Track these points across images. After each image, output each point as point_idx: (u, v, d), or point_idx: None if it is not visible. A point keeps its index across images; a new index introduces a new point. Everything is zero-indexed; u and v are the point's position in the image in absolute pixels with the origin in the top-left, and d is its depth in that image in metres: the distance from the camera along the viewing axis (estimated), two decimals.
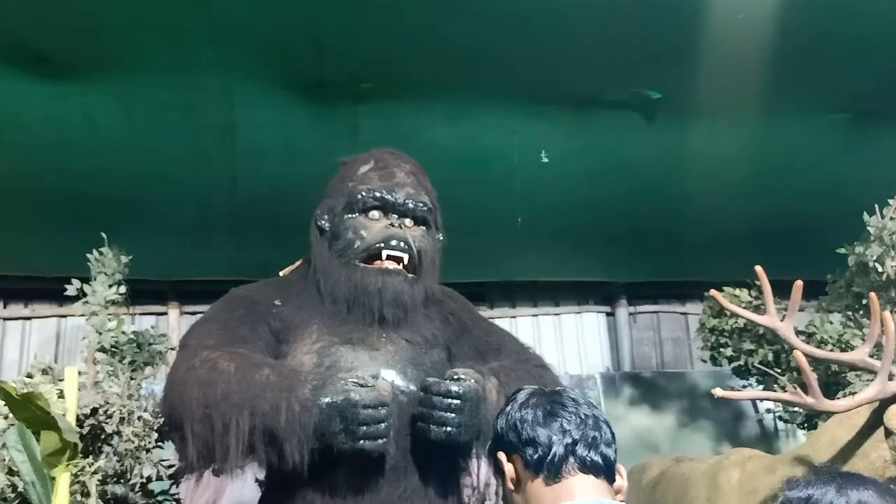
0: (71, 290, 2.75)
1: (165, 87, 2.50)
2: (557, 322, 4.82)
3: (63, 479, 1.72)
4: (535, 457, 1.21)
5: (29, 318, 4.34)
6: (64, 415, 1.78)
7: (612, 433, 1.26)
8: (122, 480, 2.19)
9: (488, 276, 4.14)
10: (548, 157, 2.94)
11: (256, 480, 2.53)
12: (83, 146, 2.78)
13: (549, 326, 4.77)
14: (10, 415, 2.15)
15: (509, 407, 1.30)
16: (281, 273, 2.54)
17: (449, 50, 2.50)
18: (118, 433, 2.10)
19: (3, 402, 2.16)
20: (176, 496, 2.38)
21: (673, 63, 2.61)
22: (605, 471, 1.21)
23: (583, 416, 1.24)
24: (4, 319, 4.29)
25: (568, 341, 4.74)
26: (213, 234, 3.51)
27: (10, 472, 2.04)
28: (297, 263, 2.49)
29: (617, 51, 2.58)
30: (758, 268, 2.27)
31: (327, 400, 1.83)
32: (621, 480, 1.25)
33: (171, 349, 3.08)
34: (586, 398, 1.30)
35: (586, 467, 1.19)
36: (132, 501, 2.22)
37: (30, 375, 2.25)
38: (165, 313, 4.40)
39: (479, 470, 2.48)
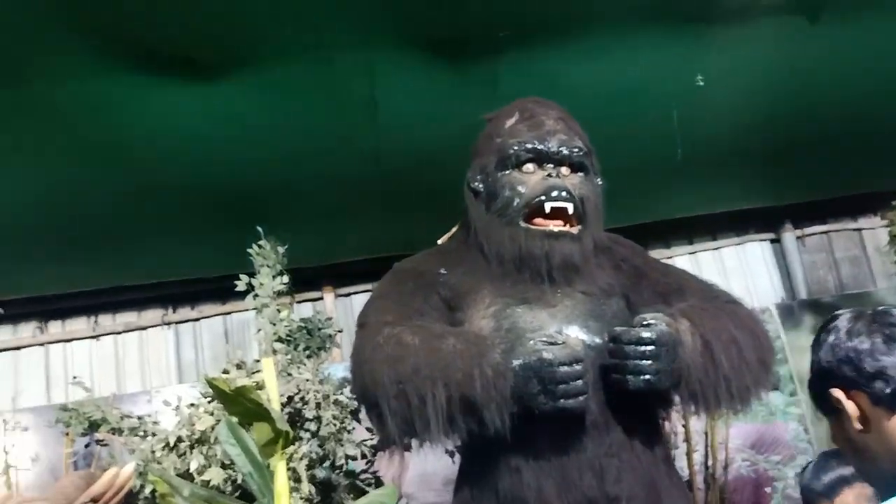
0: (241, 285, 2.88)
1: (306, 71, 2.55)
2: (718, 256, 4.60)
3: (280, 467, 1.78)
4: (888, 391, 1.10)
5: (197, 320, 4.61)
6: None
7: None
8: (323, 463, 2.29)
9: (640, 218, 4.00)
10: (703, 79, 2.78)
11: (447, 451, 2.58)
12: (232, 142, 2.90)
13: (709, 263, 4.57)
14: (215, 412, 2.30)
15: (832, 337, 1.18)
16: (439, 242, 2.54)
17: None
18: (318, 418, 2.18)
19: (209, 399, 2.32)
20: (375, 473, 2.47)
21: None
22: None
23: None
24: (177, 323, 4.58)
25: (733, 275, 4.52)
26: (361, 213, 3.57)
27: (224, 466, 2.18)
28: (454, 230, 2.49)
29: None
30: None
31: (519, 362, 1.82)
32: None
33: (339, 332, 3.19)
34: None
35: None
36: (336, 482, 2.32)
37: (226, 371, 2.38)
38: (321, 298, 4.55)
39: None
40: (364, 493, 2.52)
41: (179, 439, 2.23)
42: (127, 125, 2.73)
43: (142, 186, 3.16)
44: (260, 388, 2.03)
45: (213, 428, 2.19)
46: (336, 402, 2.25)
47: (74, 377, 3.21)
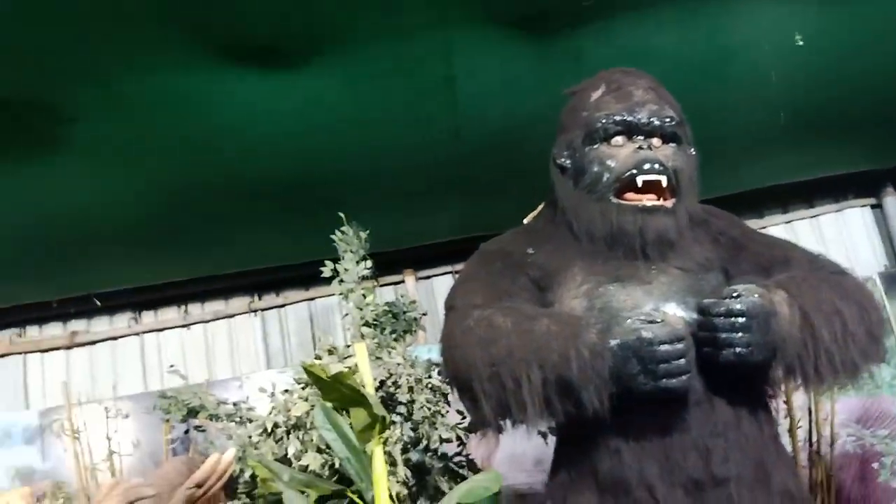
0: (326, 271, 2.91)
1: (384, 54, 2.54)
2: (815, 225, 4.42)
3: (377, 451, 1.81)
4: None
5: (283, 306, 4.71)
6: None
7: None
8: (417, 447, 2.31)
9: (732, 187, 3.87)
10: (802, 39, 2.64)
11: (540, 432, 2.56)
12: (313, 129, 2.93)
13: (805, 231, 4.39)
14: (309, 398, 2.34)
15: None
16: (525, 221, 2.51)
17: None
18: (411, 402, 2.19)
19: (302, 385, 2.36)
20: (468, 455, 2.48)
21: None
22: None
23: None
24: (263, 310, 4.70)
25: (831, 244, 4.33)
26: (442, 195, 3.57)
27: (320, 451, 2.22)
28: (540, 208, 2.45)
29: None
30: None
31: (617, 342, 1.78)
32: None
33: (423, 315, 3.20)
34: None
35: None
36: (429, 465, 2.34)
37: (318, 357, 2.41)
38: (402, 281, 4.59)
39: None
40: (457, 475, 2.53)
41: (276, 425, 2.29)
42: (211, 118, 2.80)
43: (226, 177, 3.24)
44: (353, 374, 2.05)
45: (307, 413, 2.24)
46: (429, 386, 2.26)
47: (171, 366, 3.32)
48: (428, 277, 4.56)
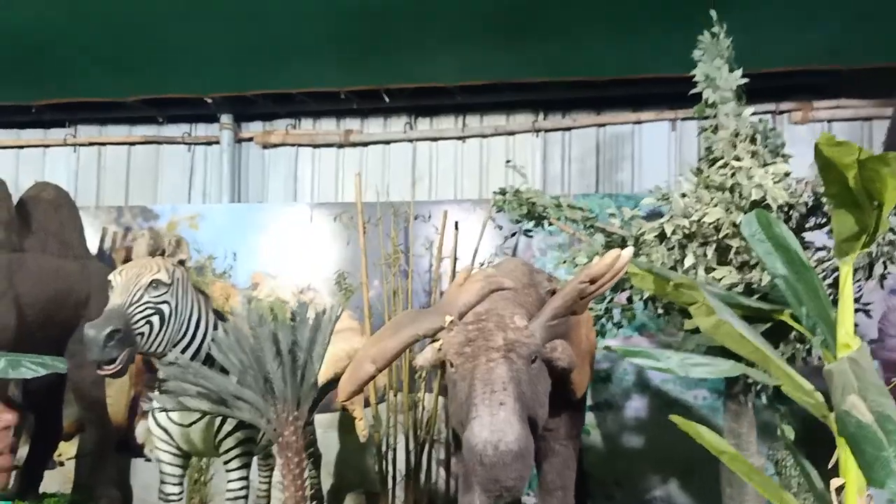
0: (698, 74, 2.57)
1: None
2: None
3: (847, 270, 1.56)
4: None
5: (568, 129, 4.48)
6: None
7: None
8: None
9: None
10: None
11: None
12: None
13: None
14: (719, 203, 2.10)
15: None
16: None
17: None
18: None
19: (709, 189, 2.13)
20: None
21: None
22: None
23: None
24: (546, 131, 4.49)
25: None
26: None
27: (740, 266, 2.00)
28: None
29: None
30: None
31: None
32: None
33: (782, 145, 2.84)
34: None
35: None
36: None
37: (738, 158, 2.16)
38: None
39: None
40: None
41: (674, 231, 2.08)
42: None
43: None
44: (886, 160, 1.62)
45: (713, 223, 2.00)
46: None
47: (508, 161, 3.16)
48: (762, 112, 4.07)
